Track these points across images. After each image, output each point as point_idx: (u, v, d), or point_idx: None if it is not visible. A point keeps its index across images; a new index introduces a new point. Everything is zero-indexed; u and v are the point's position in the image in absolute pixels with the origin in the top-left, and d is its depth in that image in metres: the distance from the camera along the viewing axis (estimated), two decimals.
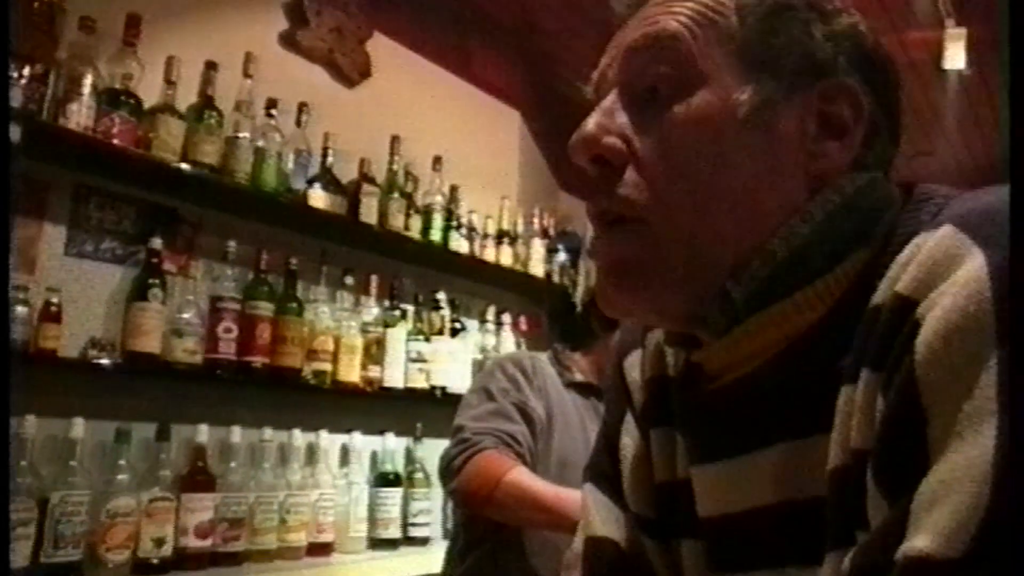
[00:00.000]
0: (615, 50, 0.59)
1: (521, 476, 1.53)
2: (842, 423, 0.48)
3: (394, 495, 2.44)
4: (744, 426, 0.56)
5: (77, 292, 1.94)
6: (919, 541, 0.37)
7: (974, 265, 0.42)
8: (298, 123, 2.34)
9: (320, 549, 2.19)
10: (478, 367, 2.81)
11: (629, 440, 0.69)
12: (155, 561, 1.84)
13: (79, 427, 1.79)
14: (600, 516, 0.69)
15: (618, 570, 0.67)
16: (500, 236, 3.01)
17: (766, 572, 0.54)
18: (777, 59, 0.55)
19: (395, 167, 2.62)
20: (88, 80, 1.87)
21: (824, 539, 0.48)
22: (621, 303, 0.58)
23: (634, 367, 0.70)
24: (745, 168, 0.54)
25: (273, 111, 2.25)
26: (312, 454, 2.29)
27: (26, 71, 1.74)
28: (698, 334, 0.59)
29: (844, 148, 0.56)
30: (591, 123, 0.56)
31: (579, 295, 3.38)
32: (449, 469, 1.60)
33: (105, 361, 1.90)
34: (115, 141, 1.88)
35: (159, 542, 1.85)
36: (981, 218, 0.44)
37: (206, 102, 2.09)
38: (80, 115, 1.84)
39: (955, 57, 2.76)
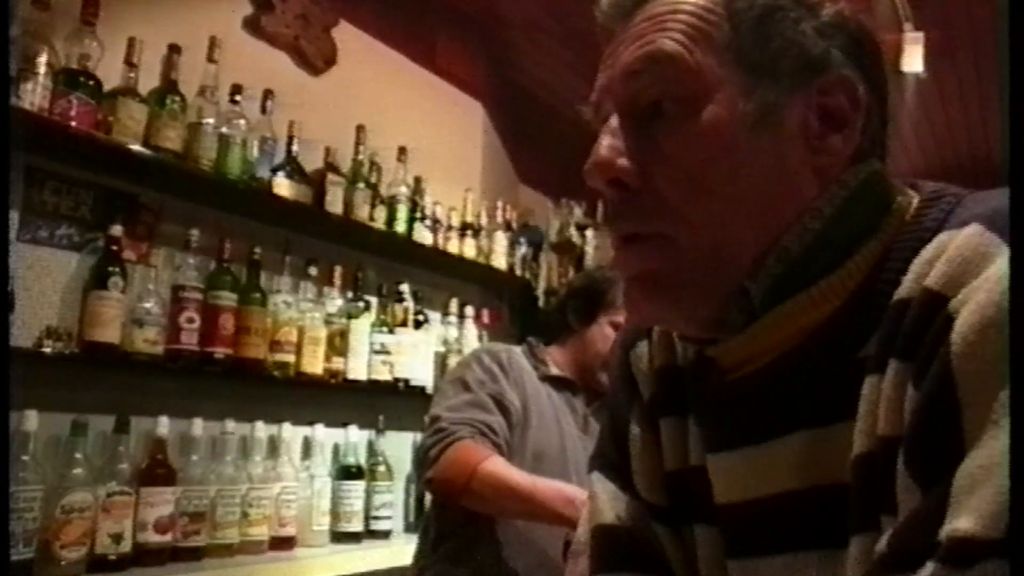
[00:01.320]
0: (611, 71, 0.59)
1: (497, 465, 1.54)
2: (867, 412, 0.49)
3: (357, 488, 2.41)
4: (763, 415, 0.57)
5: (31, 279, 1.87)
6: (962, 523, 0.39)
7: (1005, 263, 0.43)
8: (263, 110, 2.29)
9: (282, 543, 2.15)
10: (440, 360, 2.79)
11: (638, 430, 0.70)
12: (113, 557, 1.79)
13: (32, 420, 1.72)
14: (609, 504, 0.70)
15: (628, 556, 0.68)
16: (464, 228, 2.99)
17: (783, 557, 0.55)
18: (775, 62, 0.56)
19: (360, 157, 2.59)
20: (43, 59, 1.79)
21: (843, 524, 0.50)
22: (650, 313, 0.60)
23: (641, 358, 0.71)
24: (758, 174, 0.55)
25: (238, 97, 2.20)
26: (274, 447, 2.25)
27: None
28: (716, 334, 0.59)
29: (846, 139, 0.57)
30: (602, 147, 0.57)
31: (541, 288, 3.42)
32: (425, 459, 1.60)
33: (61, 351, 1.83)
34: (72, 124, 1.82)
35: (117, 538, 1.80)
36: (1007, 218, 0.46)
37: (169, 86, 2.03)
38: (35, 95, 1.77)
39: (913, 60, 2.82)
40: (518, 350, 1.85)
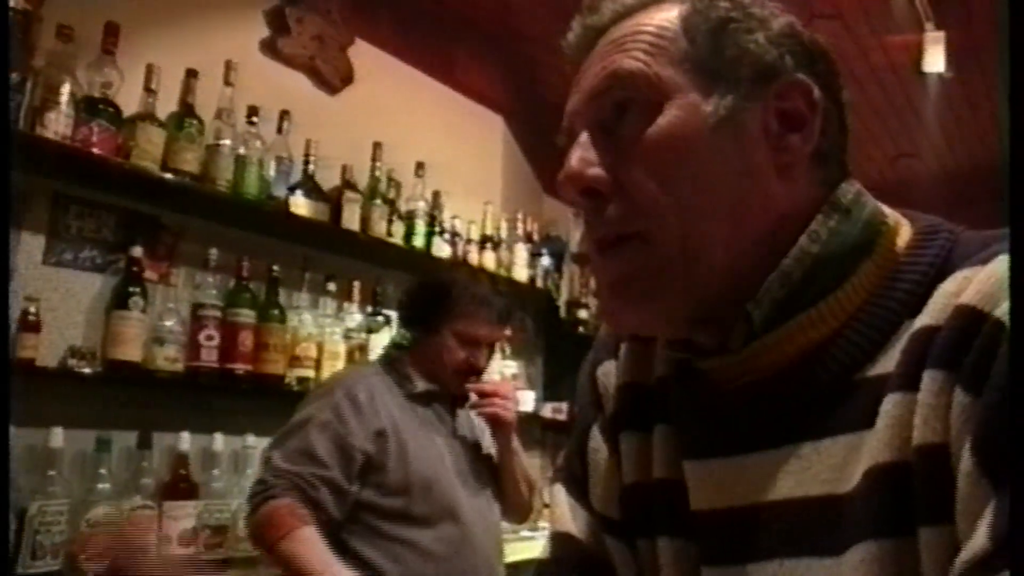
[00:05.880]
0: (578, 95, 0.62)
1: (296, 544, 1.51)
2: (892, 425, 0.51)
3: None
4: (757, 426, 0.59)
5: (56, 301, 1.94)
6: None
7: None
8: (279, 130, 2.35)
9: None
10: None
11: (598, 444, 0.72)
12: None
13: (58, 436, 1.78)
14: (567, 514, 0.73)
15: (579, 564, 0.70)
16: (483, 241, 3.02)
17: (769, 564, 0.56)
18: (732, 70, 0.58)
19: (377, 173, 2.63)
20: (66, 88, 1.86)
21: (834, 533, 0.52)
22: (629, 317, 0.62)
23: (608, 376, 0.73)
24: (723, 171, 0.58)
25: (254, 119, 2.25)
26: None
27: None
28: (698, 339, 0.62)
29: (805, 139, 0.59)
30: (573, 160, 0.59)
31: (563, 299, 3.42)
32: (249, 506, 1.60)
33: (86, 370, 1.89)
34: (94, 150, 1.88)
35: None
36: None
37: (186, 110, 2.09)
38: (58, 124, 1.84)
39: (934, 60, 2.78)
40: (376, 373, 1.78)
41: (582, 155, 0.59)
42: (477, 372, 1.82)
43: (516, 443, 1.88)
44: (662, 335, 0.66)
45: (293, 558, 1.50)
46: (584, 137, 0.60)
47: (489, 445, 1.88)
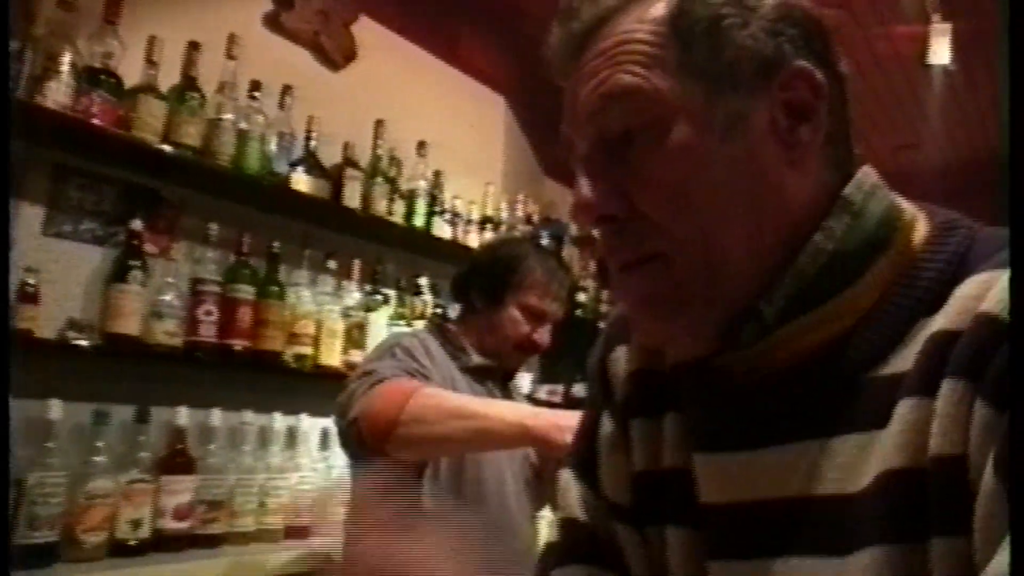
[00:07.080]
0: (574, 112, 0.60)
1: (436, 390, 1.39)
2: (907, 430, 0.50)
3: None
4: (768, 422, 0.58)
5: (56, 273, 1.92)
6: None
7: None
8: (281, 106, 2.33)
9: (298, 532, 2.20)
10: None
11: (608, 431, 0.72)
12: (133, 543, 1.84)
13: (56, 408, 1.77)
14: (576, 500, 0.73)
15: (588, 550, 0.70)
16: (484, 222, 3.01)
17: (774, 561, 0.56)
18: (731, 71, 0.56)
19: (379, 151, 2.62)
20: (67, 58, 1.84)
21: (842, 533, 0.51)
22: (659, 334, 0.63)
23: (618, 362, 0.73)
24: (737, 180, 0.56)
25: (256, 93, 2.23)
26: (292, 437, 2.29)
27: None
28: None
29: (815, 128, 0.58)
30: (584, 189, 0.59)
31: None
32: (349, 402, 1.41)
33: (84, 343, 1.88)
34: (95, 121, 1.86)
35: (136, 524, 1.85)
36: None
37: (188, 83, 2.07)
38: (58, 93, 1.82)
39: (940, 52, 2.77)
40: (433, 340, 1.68)
41: (592, 182, 0.58)
42: (539, 349, 1.75)
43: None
44: (691, 349, 0.64)
45: (439, 395, 1.35)
46: (590, 162, 0.59)
47: None
